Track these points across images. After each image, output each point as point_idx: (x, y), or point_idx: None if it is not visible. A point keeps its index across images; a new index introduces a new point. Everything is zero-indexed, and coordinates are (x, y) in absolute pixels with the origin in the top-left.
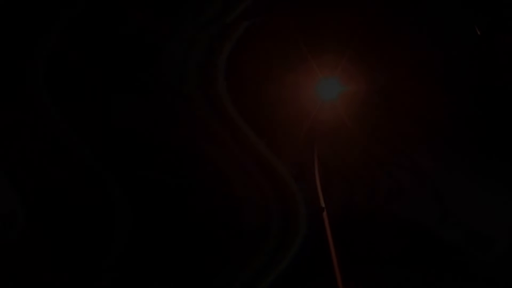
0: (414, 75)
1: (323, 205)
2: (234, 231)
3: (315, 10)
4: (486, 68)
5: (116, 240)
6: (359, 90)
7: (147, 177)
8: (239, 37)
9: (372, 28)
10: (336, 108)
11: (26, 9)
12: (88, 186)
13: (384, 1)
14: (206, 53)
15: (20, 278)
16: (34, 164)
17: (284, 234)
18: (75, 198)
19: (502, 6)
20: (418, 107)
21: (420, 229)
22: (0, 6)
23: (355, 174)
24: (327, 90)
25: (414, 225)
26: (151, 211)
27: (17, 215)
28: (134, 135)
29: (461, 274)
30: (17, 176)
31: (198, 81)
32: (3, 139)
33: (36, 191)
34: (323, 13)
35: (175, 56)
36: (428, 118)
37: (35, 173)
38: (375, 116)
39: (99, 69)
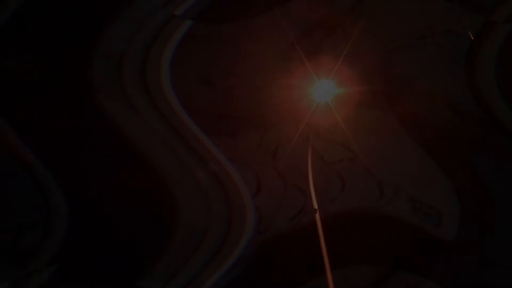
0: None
1: (316, 206)
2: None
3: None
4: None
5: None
6: (354, 92)
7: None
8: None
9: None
10: (331, 110)
11: None
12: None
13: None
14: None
15: None
16: None
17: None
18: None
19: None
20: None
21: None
22: None
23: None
24: (322, 92)
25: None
26: (87, 209)
27: None
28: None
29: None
30: None
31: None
32: None
33: None
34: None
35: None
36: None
37: None
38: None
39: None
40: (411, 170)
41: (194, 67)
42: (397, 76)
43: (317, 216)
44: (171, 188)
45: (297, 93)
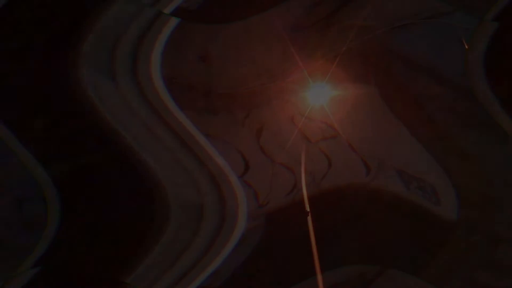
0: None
1: (307, 209)
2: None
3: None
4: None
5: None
6: (349, 95)
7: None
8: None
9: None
10: (326, 112)
11: None
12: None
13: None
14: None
15: None
16: None
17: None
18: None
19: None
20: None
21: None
22: None
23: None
24: (317, 95)
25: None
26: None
27: None
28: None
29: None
30: None
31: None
32: None
33: None
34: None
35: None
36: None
37: None
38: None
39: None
40: (393, 145)
41: (191, 43)
42: (390, 49)
43: (309, 218)
44: (149, 164)
45: (283, 70)
